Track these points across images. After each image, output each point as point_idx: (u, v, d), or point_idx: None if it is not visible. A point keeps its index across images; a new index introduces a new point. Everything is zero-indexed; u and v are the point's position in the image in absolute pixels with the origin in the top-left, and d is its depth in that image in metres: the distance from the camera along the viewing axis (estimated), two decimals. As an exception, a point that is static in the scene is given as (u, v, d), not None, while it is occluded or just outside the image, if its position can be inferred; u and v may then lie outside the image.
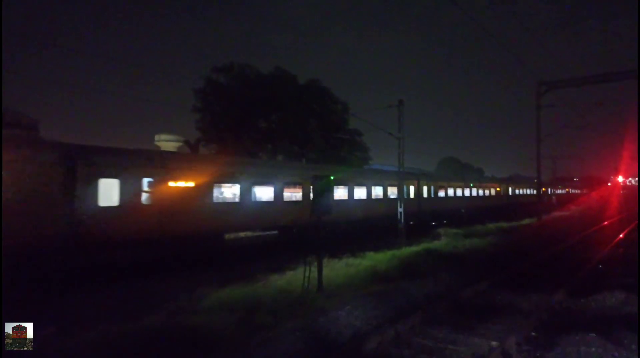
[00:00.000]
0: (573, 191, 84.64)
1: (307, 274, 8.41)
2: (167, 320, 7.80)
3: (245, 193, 16.70)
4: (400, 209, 20.88)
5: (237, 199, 16.57)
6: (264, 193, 18.03)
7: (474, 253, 15.91)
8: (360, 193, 23.19)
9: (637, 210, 31.86)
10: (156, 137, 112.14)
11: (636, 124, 33.34)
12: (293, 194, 19.27)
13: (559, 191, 69.34)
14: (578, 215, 38.62)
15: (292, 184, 19.17)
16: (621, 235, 21.28)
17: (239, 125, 31.61)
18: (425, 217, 28.84)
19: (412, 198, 27.47)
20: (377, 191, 24.84)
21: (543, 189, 54.69)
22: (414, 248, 16.65)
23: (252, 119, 32.72)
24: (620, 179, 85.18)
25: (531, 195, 56.24)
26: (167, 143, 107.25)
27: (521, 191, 53.93)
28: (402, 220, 20.68)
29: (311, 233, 9.94)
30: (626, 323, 7.28)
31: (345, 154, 37.07)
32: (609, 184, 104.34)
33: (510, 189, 48.56)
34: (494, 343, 6.54)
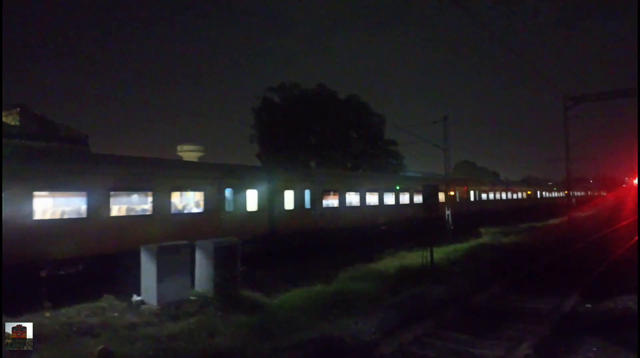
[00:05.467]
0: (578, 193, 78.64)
1: (424, 255, 12.23)
2: (334, 287, 11.58)
3: None
4: (448, 212, 24.61)
5: None
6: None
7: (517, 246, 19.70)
8: (66, 206, 12.71)
9: (637, 211, 31.87)
10: (179, 147, 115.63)
11: None
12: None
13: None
14: (594, 219, 40.43)
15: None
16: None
17: (291, 138, 35.65)
18: (290, 242, 17.89)
19: (253, 211, 16.96)
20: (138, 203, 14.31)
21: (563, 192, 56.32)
22: (467, 244, 20.35)
23: (302, 132, 36.71)
24: (638, 181, 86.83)
25: (514, 200, 45.05)
26: (189, 153, 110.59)
27: (495, 196, 39.28)
28: (450, 221, 24.44)
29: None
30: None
31: (380, 163, 40.83)
32: (624, 185, 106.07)
33: (473, 193, 33.84)
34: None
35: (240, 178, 16.75)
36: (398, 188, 25.37)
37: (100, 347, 6.80)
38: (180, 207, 15.10)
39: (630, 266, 13.72)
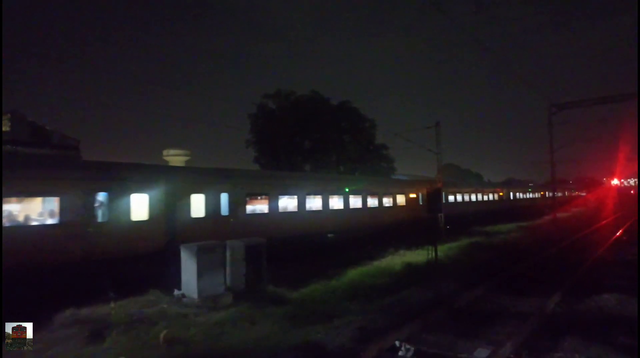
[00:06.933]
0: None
1: (430, 251, 13.49)
2: (348, 282, 12.74)
3: None
4: (441, 214, 25.98)
5: None
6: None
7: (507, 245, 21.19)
8: None
9: (637, 211, 33.24)
10: (164, 152, 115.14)
11: (634, 126, 34.57)
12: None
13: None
14: (576, 219, 42.20)
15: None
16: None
17: (287, 143, 36.75)
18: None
19: (142, 221, 14.04)
20: None
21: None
22: (461, 242, 21.75)
23: (297, 137, 37.84)
24: (616, 181, 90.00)
25: (486, 202, 42.23)
26: (175, 157, 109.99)
27: (464, 198, 37.85)
28: (443, 222, 25.86)
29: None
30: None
31: (372, 166, 42.18)
32: (603, 186, 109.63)
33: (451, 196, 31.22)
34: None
35: (122, 179, 13.74)
36: (347, 190, 22.96)
37: (164, 332, 7.85)
38: (21, 218, 12.06)
39: (610, 264, 15.23)
